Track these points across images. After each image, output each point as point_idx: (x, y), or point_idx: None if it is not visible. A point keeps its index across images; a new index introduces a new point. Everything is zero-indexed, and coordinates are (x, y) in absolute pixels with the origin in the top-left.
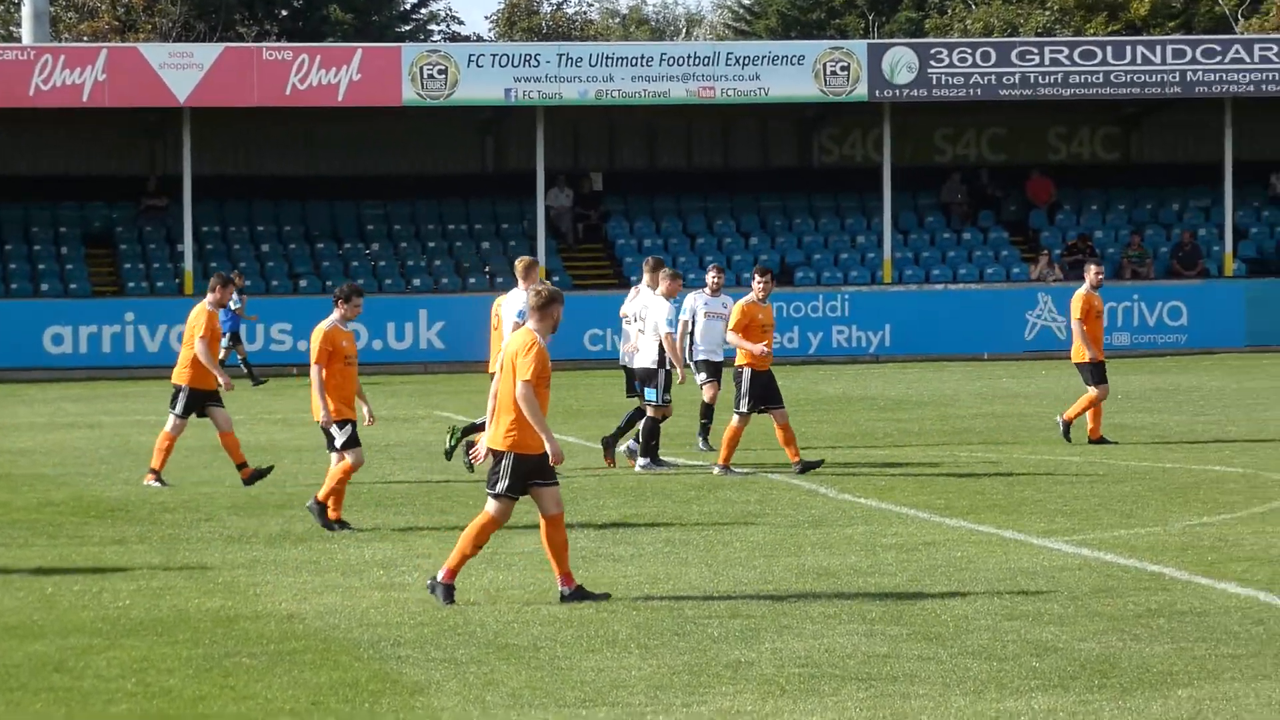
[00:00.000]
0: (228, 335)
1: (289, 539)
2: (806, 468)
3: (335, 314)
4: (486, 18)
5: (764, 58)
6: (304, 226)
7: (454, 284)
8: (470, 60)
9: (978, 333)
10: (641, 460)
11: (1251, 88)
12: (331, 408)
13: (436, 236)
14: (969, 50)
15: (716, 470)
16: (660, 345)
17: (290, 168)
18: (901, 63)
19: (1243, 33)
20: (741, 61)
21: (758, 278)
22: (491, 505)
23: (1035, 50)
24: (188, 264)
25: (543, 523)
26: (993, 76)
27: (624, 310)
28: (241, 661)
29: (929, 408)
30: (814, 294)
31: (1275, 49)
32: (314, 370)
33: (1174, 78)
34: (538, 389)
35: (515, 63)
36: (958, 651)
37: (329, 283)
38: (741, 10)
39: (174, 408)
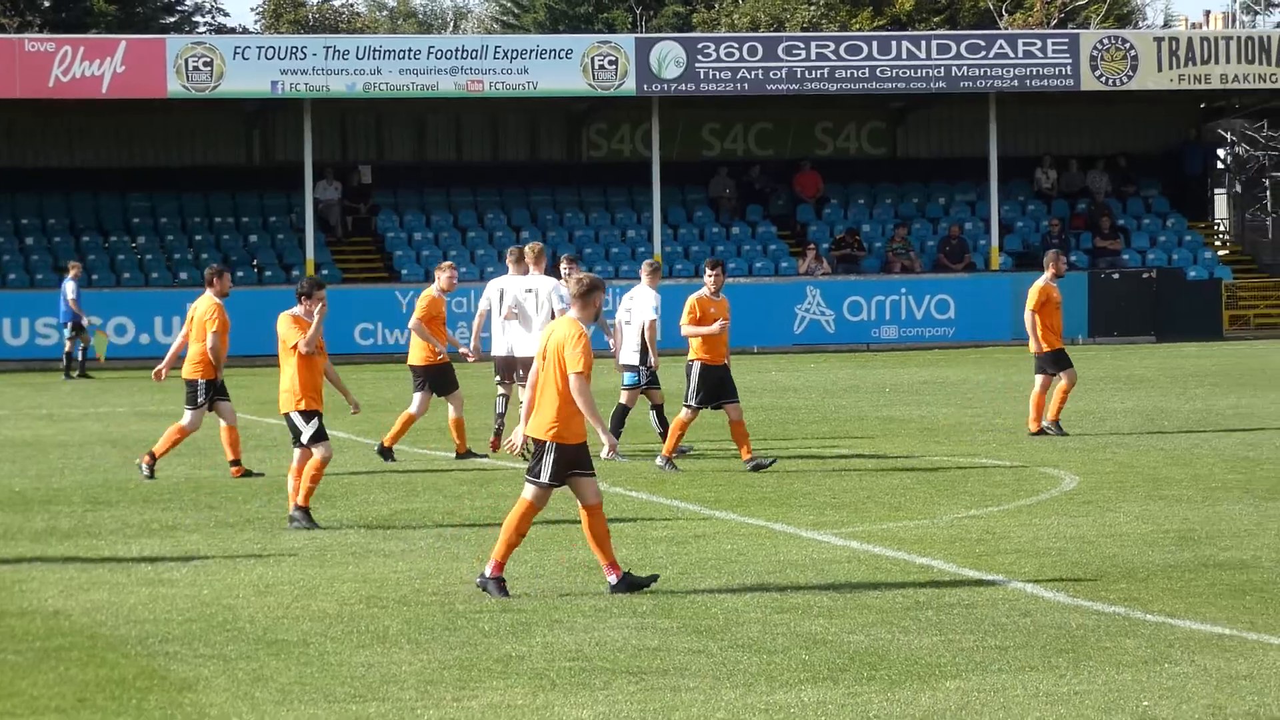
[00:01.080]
0: (69, 325)
1: (55, 534)
2: (758, 467)
3: (299, 309)
4: (252, 10)
5: (532, 51)
6: (69, 219)
7: None
8: (236, 52)
9: (747, 326)
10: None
11: (1016, 83)
12: (298, 399)
13: (203, 230)
14: (736, 45)
15: (659, 462)
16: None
17: (54, 160)
18: (669, 57)
19: (1006, 28)
20: (510, 55)
21: (709, 270)
22: (530, 491)
23: (802, 45)
24: None
25: (584, 513)
26: (760, 71)
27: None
28: (6, 658)
29: None
30: None
31: (1039, 44)
32: (303, 350)
33: (939, 73)
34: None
35: (282, 55)
36: (728, 644)
37: (95, 276)
38: (509, 4)
39: (191, 403)
